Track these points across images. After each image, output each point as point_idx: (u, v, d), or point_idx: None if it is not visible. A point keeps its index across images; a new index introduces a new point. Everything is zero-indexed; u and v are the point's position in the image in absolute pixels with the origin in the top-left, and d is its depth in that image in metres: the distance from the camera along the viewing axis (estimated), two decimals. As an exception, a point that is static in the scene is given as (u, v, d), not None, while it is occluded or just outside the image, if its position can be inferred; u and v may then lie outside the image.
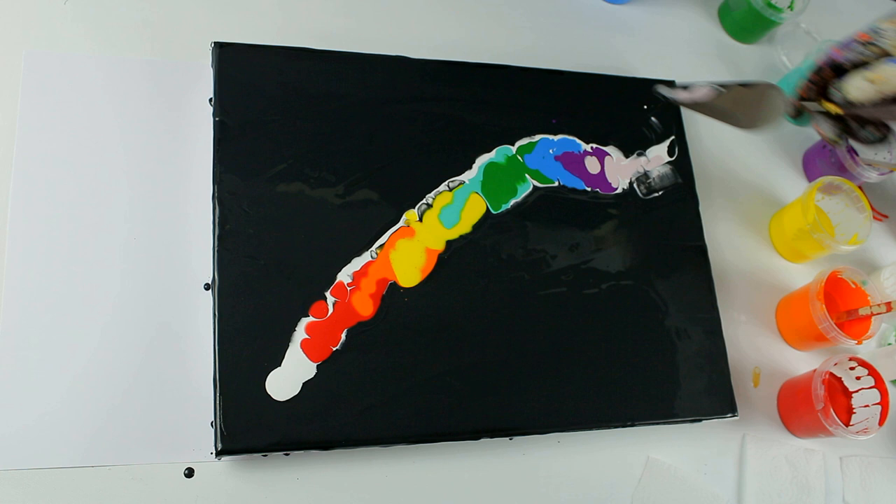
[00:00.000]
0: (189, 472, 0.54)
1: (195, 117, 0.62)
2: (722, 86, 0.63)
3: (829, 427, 0.63)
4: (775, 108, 0.61)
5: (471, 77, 0.68)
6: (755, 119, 0.62)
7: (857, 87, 0.54)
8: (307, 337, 0.56)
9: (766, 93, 0.61)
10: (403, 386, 0.57)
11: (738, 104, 0.62)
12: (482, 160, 0.66)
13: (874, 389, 0.65)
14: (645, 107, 0.73)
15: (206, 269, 0.57)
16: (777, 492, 0.66)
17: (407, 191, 0.63)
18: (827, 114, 0.57)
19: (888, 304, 0.65)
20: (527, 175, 0.67)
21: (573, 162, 0.69)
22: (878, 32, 0.54)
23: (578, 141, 0.70)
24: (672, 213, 0.70)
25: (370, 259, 0.59)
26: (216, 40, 0.62)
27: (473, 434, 0.58)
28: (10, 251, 0.55)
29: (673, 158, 0.72)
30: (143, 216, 0.59)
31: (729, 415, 0.64)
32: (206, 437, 0.54)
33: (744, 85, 0.63)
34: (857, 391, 0.66)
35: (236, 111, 0.60)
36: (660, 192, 0.70)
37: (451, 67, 0.68)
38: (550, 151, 0.68)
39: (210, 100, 0.61)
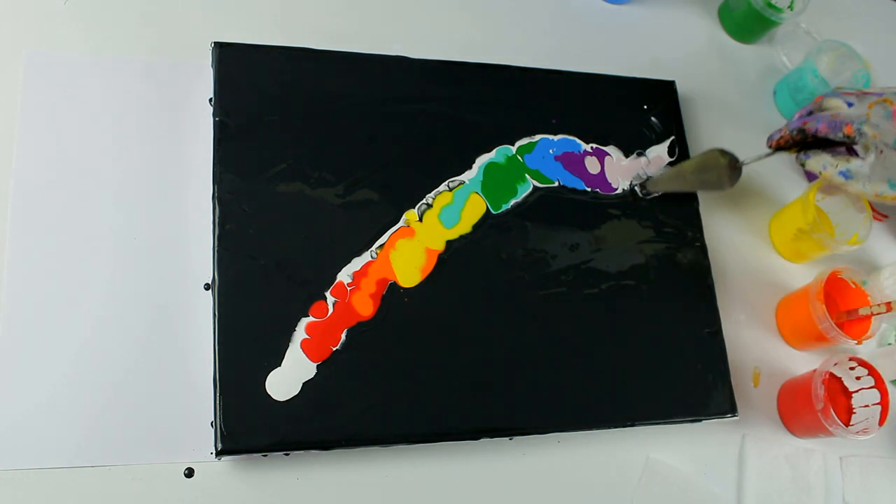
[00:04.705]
0: (189, 472, 0.54)
1: (195, 117, 0.62)
2: (671, 164, 0.71)
3: (829, 427, 0.63)
4: (719, 168, 0.68)
5: (471, 77, 0.68)
6: (711, 182, 0.69)
7: (817, 164, 0.64)
8: (307, 337, 0.56)
9: (711, 156, 0.68)
10: (403, 386, 0.57)
11: (699, 172, 0.69)
12: (482, 160, 0.66)
13: (874, 389, 0.65)
14: (645, 107, 0.73)
15: (206, 269, 0.57)
16: (777, 492, 0.66)
17: (407, 191, 0.63)
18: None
19: (888, 304, 0.65)
20: (527, 175, 0.67)
21: (573, 162, 0.69)
22: (862, 133, 0.60)
23: (578, 141, 0.70)
24: (672, 214, 0.70)
25: (370, 259, 0.59)
26: (216, 40, 0.62)
27: (473, 434, 0.58)
28: (10, 251, 0.55)
29: (673, 159, 0.72)
30: (143, 216, 0.59)
31: (729, 415, 0.64)
32: (206, 437, 0.54)
33: (694, 157, 0.70)
34: (857, 391, 0.66)
35: (236, 111, 0.60)
36: (660, 193, 0.70)
37: (451, 67, 0.68)
38: (550, 151, 0.68)
39: (210, 100, 0.61)
